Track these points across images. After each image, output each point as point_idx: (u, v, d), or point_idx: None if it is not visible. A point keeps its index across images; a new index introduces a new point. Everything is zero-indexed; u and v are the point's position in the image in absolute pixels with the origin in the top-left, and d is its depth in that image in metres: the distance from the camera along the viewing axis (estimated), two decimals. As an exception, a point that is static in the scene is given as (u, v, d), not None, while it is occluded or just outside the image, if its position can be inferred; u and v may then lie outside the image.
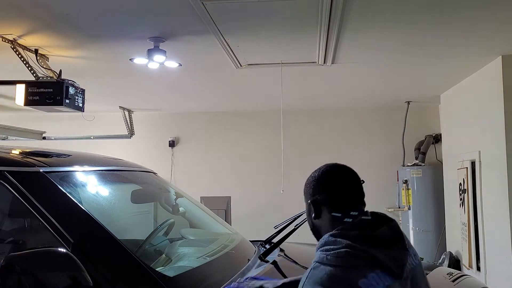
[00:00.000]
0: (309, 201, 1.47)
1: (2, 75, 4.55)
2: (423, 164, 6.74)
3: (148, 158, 7.15)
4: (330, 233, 1.36)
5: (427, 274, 2.42)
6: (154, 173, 2.96)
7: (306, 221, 2.34)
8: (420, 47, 4.13)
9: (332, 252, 1.29)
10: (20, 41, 3.87)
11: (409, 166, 6.77)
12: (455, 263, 5.77)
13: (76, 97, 4.09)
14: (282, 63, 4.56)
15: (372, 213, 1.45)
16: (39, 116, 7.73)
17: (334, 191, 1.44)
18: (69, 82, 3.99)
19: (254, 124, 7.57)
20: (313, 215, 1.46)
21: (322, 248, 1.33)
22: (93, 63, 4.59)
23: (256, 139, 7.52)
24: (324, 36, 3.70)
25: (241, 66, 4.65)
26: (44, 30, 3.63)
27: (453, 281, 2.34)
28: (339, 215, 1.41)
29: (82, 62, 4.51)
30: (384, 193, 7.10)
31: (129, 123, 7.39)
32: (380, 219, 1.43)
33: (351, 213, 1.41)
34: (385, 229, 1.38)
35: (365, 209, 1.46)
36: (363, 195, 1.49)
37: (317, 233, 1.48)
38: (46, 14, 3.31)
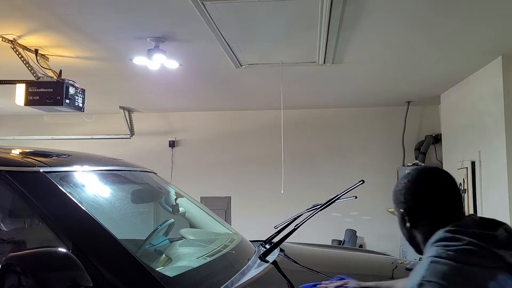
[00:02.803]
0: (401, 210, 1.38)
1: (2, 75, 4.55)
2: (423, 164, 6.74)
3: (148, 158, 7.16)
4: (445, 229, 1.26)
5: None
6: (154, 173, 2.96)
7: (306, 221, 2.35)
8: (420, 47, 4.14)
9: (454, 248, 1.20)
10: (20, 41, 3.87)
11: (409, 166, 6.77)
12: (455, 263, 5.77)
13: (76, 97, 4.09)
14: (282, 63, 4.56)
15: (480, 217, 1.34)
16: (38, 116, 7.74)
17: (433, 198, 1.33)
18: (69, 82, 3.99)
19: (254, 124, 7.57)
20: (408, 224, 1.37)
21: (439, 243, 1.23)
22: (93, 63, 4.59)
23: (256, 139, 7.52)
24: (324, 36, 3.70)
25: (241, 66, 4.65)
26: (44, 30, 3.63)
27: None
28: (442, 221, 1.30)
29: (82, 62, 4.51)
30: (384, 193, 7.09)
31: (129, 123, 7.40)
32: (493, 220, 1.32)
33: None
34: (503, 230, 1.27)
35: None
36: (462, 204, 1.36)
37: (414, 242, 1.40)
38: (46, 14, 3.31)
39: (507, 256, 1.18)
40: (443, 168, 5.96)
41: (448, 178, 1.36)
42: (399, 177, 6.85)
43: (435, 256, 1.20)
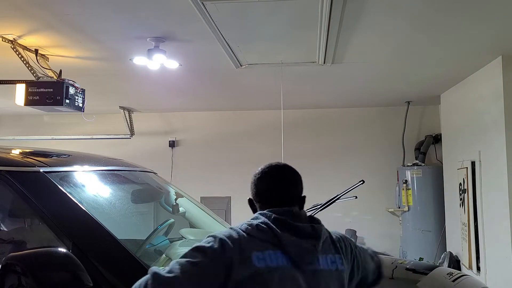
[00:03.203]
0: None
1: (2, 75, 4.55)
2: (423, 164, 6.74)
3: (148, 158, 7.15)
4: (258, 212, 1.52)
5: (426, 274, 2.42)
6: (154, 173, 2.96)
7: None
8: (420, 46, 4.14)
9: (250, 223, 1.45)
10: (20, 41, 3.87)
11: (409, 166, 6.77)
12: (455, 263, 5.77)
13: (76, 97, 4.09)
14: (282, 63, 4.56)
15: (310, 217, 1.57)
16: (38, 116, 7.74)
17: (254, 188, 1.60)
18: (69, 82, 3.99)
19: (254, 124, 7.57)
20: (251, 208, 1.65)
21: (249, 220, 1.48)
22: (93, 63, 4.59)
23: (256, 138, 7.52)
24: (324, 36, 3.70)
25: (241, 66, 4.65)
26: (44, 30, 3.63)
27: (453, 281, 2.34)
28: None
29: (82, 62, 4.51)
30: (384, 193, 7.10)
31: (129, 123, 7.40)
32: (312, 219, 1.56)
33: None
34: (308, 226, 1.49)
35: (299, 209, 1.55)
36: (285, 194, 1.56)
37: None
38: (46, 14, 3.31)
39: (287, 239, 1.40)
40: (443, 168, 5.87)
41: (272, 174, 1.58)
42: (399, 178, 6.86)
43: (232, 227, 1.47)
